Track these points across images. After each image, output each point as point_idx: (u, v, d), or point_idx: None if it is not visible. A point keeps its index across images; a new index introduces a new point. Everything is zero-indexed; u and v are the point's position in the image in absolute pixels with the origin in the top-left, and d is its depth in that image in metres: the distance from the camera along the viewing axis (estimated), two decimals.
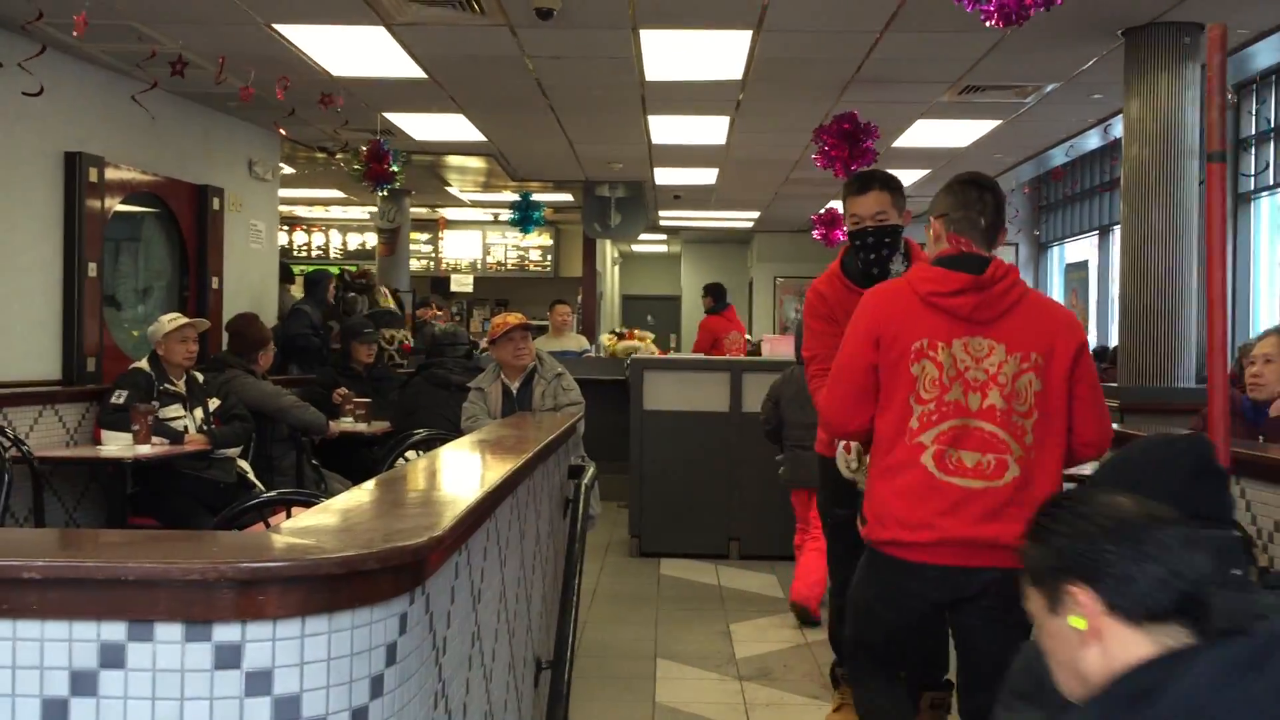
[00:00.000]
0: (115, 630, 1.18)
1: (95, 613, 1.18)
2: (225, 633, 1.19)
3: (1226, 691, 1.32)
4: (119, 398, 4.94)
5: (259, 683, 1.20)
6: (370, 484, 1.91)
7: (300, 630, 1.22)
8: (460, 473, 2.22)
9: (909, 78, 7.53)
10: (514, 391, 5.24)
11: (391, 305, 9.94)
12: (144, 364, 5.18)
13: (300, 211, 15.91)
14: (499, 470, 2.09)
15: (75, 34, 5.44)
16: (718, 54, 6.91)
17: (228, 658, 1.19)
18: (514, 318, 5.28)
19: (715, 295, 11.71)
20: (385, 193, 9.08)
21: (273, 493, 2.78)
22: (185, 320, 5.19)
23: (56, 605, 1.18)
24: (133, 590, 1.17)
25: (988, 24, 4.70)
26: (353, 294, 9.23)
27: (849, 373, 2.80)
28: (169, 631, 1.18)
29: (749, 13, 6.03)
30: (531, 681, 2.75)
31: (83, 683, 1.19)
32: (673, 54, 6.91)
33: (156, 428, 5.01)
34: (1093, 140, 10.08)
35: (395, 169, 8.20)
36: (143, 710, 1.19)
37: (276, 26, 6.37)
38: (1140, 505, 1.48)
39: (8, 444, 4.57)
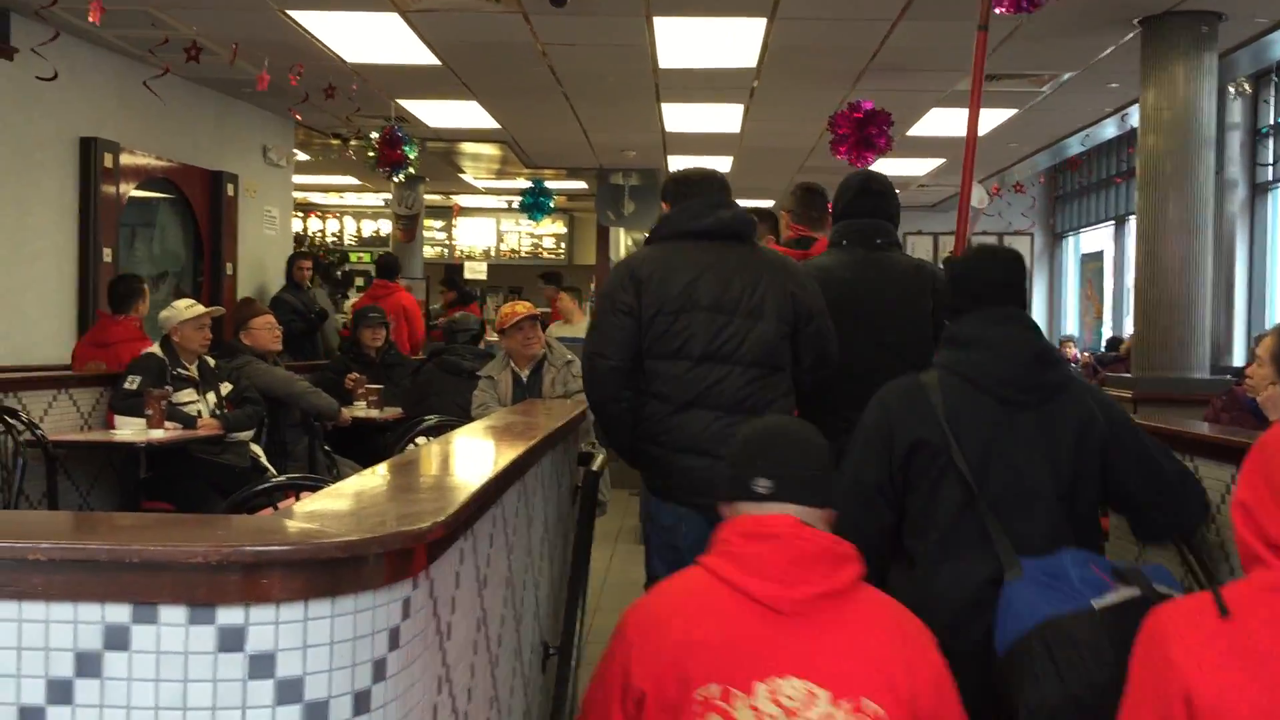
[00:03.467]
0: (120, 612, 1.19)
1: (100, 595, 1.19)
2: (228, 615, 1.20)
3: None
4: (132, 383, 4.96)
5: (262, 665, 1.21)
6: (380, 467, 1.91)
7: (303, 614, 1.22)
8: (468, 458, 2.23)
9: (924, 66, 7.50)
10: (524, 379, 5.24)
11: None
12: (156, 349, 5.20)
13: (315, 198, 15.95)
14: (506, 456, 2.09)
15: (91, 19, 5.46)
16: (731, 41, 6.90)
17: (231, 640, 1.20)
18: (522, 307, 5.28)
19: None
20: (400, 179, 9.07)
21: (283, 477, 2.80)
22: (203, 309, 5.21)
23: (62, 587, 1.19)
24: (137, 573, 1.18)
25: (997, 10, 4.67)
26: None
27: None
28: (173, 614, 1.19)
29: (763, 0, 6.02)
30: (539, 666, 2.76)
31: (87, 664, 1.20)
32: (686, 41, 6.89)
33: (170, 412, 5.03)
34: (1109, 129, 10.03)
35: (409, 154, 8.20)
36: (146, 691, 1.19)
37: (290, 13, 6.38)
38: None
39: (21, 428, 4.59)
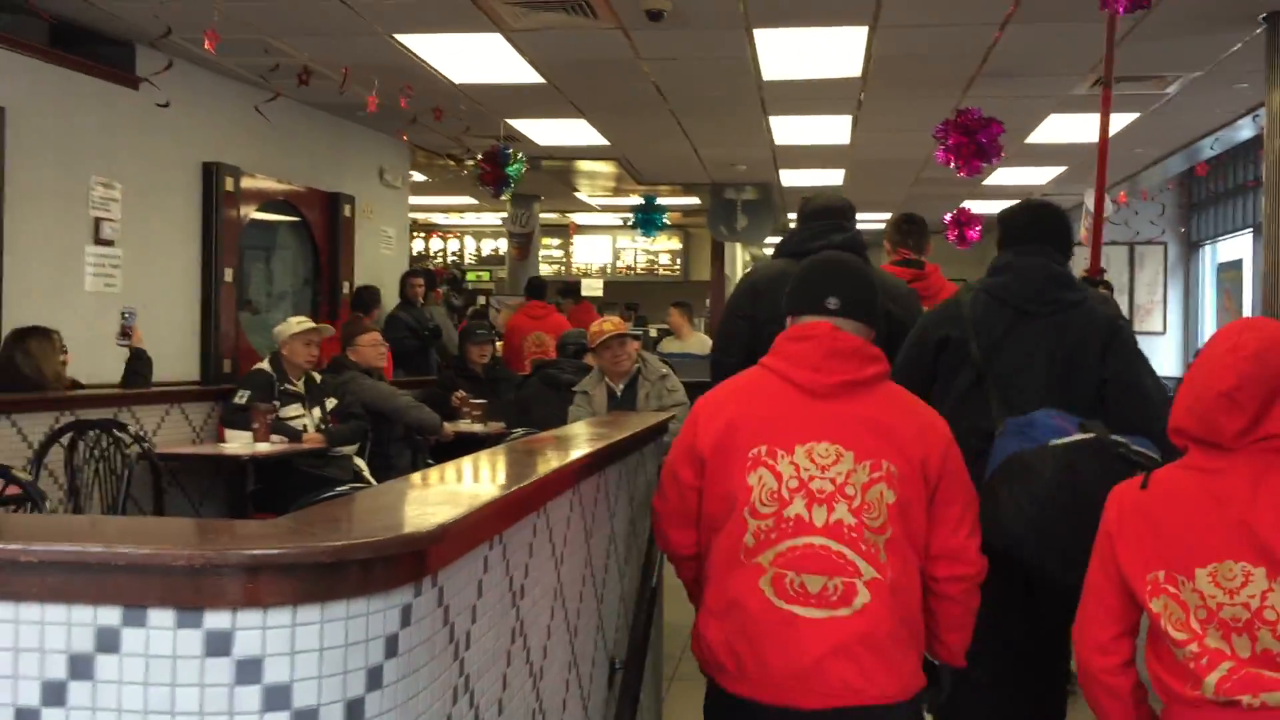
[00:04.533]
0: (111, 615, 1.21)
1: (92, 597, 1.20)
2: (216, 620, 1.20)
3: None
4: (241, 398, 5.13)
5: (249, 671, 1.21)
6: (424, 474, 1.92)
7: (291, 619, 1.22)
8: (515, 465, 2.22)
9: (1038, 71, 7.29)
10: (618, 394, 5.24)
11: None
12: (266, 364, 5.37)
13: (436, 218, 16.30)
14: (551, 464, 2.08)
15: (206, 47, 5.67)
16: (834, 51, 6.80)
17: (218, 645, 1.21)
18: (610, 325, 5.28)
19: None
20: (506, 196, 9.18)
21: (347, 486, 2.84)
22: (311, 324, 5.36)
23: (55, 589, 1.21)
24: (126, 575, 1.19)
25: (1103, 10, 4.48)
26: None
27: None
28: (161, 617, 1.20)
29: (863, 8, 5.92)
30: (604, 682, 2.73)
31: (80, 666, 1.21)
32: (789, 53, 6.82)
33: (276, 426, 5.17)
34: (1243, 131, 9.57)
35: (510, 172, 8.29)
36: (135, 695, 1.21)
37: (397, 36, 6.53)
38: None
39: (129, 440, 4.77)
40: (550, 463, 2.09)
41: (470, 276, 15.84)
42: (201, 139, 7.41)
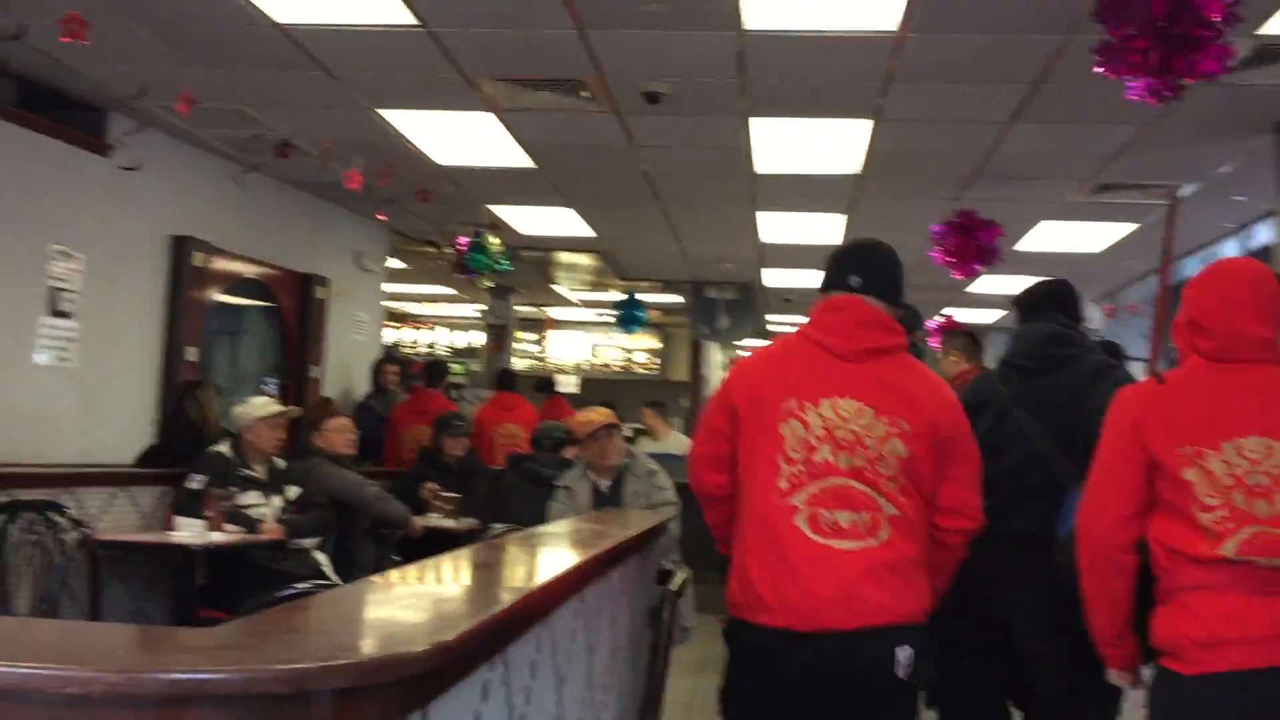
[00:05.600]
0: None
1: None
2: None
3: None
4: (194, 482, 4.73)
5: None
6: (397, 571, 1.56)
7: None
8: (511, 566, 1.86)
9: (1037, 174, 7.12)
10: (604, 490, 4.88)
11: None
12: (225, 448, 4.97)
13: (410, 308, 15.99)
14: (558, 566, 1.72)
15: (179, 110, 5.40)
16: (834, 146, 6.62)
17: None
18: (599, 414, 4.95)
19: None
20: (484, 284, 8.85)
21: (308, 584, 2.46)
22: (280, 407, 4.99)
23: None
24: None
25: (1133, 98, 4.24)
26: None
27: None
28: None
29: (868, 100, 5.73)
30: None
31: None
32: (786, 145, 6.63)
33: (231, 515, 4.77)
34: (1228, 248, 9.44)
35: (478, 259, 8.03)
36: None
37: (382, 112, 6.28)
38: None
39: (68, 525, 4.35)
40: (560, 564, 1.73)
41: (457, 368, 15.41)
42: (171, 211, 7.10)
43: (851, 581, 2.52)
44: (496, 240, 8.43)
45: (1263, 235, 8.30)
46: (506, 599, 1.31)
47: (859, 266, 2.79)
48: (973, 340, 5.35)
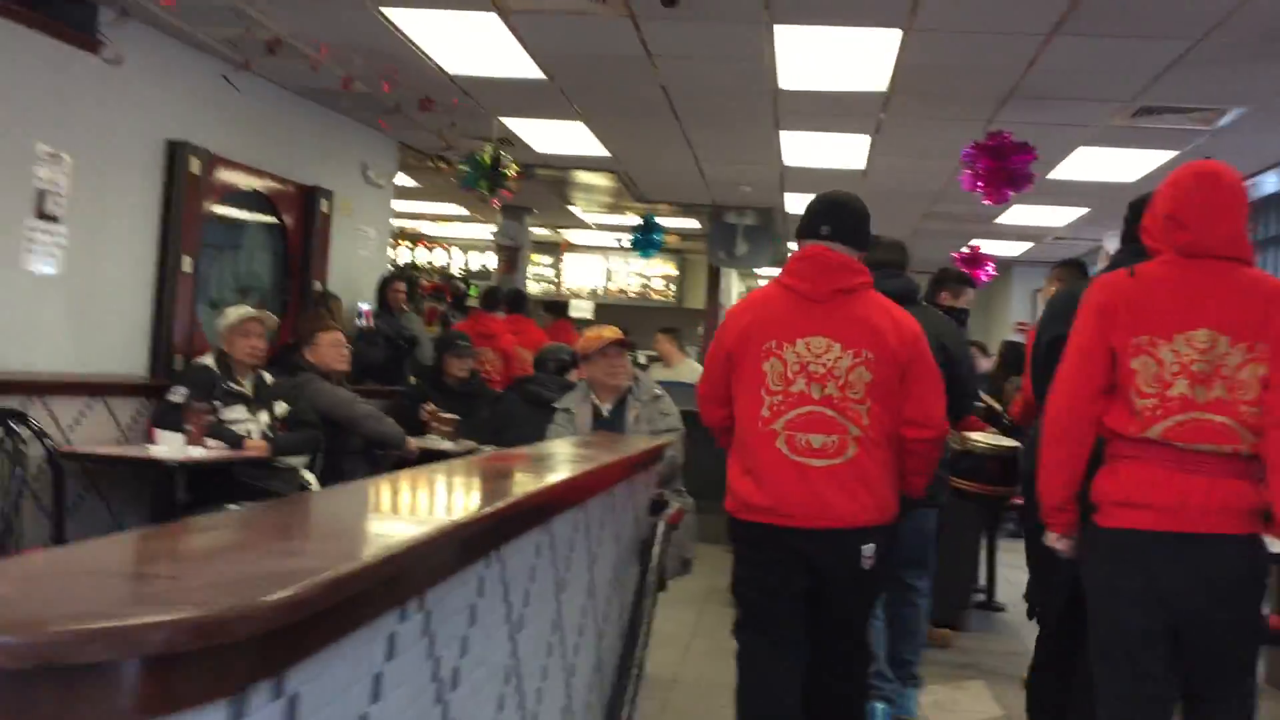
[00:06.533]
0: None
1: None
2: None
3: None
4: (175, 394, 4.50)
5: None
6: (326, 491, 1.30)
7: None
8: (466, 491, 1.60)
9: (1076, 94, 6.73)
10: (606, 414, 4.64)
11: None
12: (209, 359, 4.74)
13: (424, 227, 15.69)
14: (512, 490, 1.47)
15: (164, 1, 5.08)
16: (860, 59, 6.25)
17: None
18: (609, 331, 4.69)
19: None
20: (487, 197, 8.49)
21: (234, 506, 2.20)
22: (252, 313, 4.73)
23: None
24: None
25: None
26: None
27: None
28: None
29: (899, 7, 5.36)
30: None
31: None
32: (810, 57, 6.27)
33: (215, 430, 4.55)
34: (1269, 181, 9.04)
35: (473, 172, 7.73)
36: None
37: (385, 10, 5.94)
38: None
39: (28, 437, 4.13)
40: (514, 488, 1.47)
41: (472, 291, 15.12)
42: (166, 115, 6.79)
43: (821, 492, 3.09)
44: (488, 153, 8.07)
45: None
46: (406, 535, 1.05)
47: (828, 218, 3.26)
48: (1079, 269, 5.41)
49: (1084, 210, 10.56)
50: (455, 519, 1.16)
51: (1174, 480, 2.63)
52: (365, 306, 8.77)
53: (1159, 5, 5.23)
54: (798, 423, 3.09)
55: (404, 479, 1.64)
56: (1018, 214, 10.85)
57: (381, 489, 1.50)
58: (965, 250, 12.42)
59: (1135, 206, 3.37)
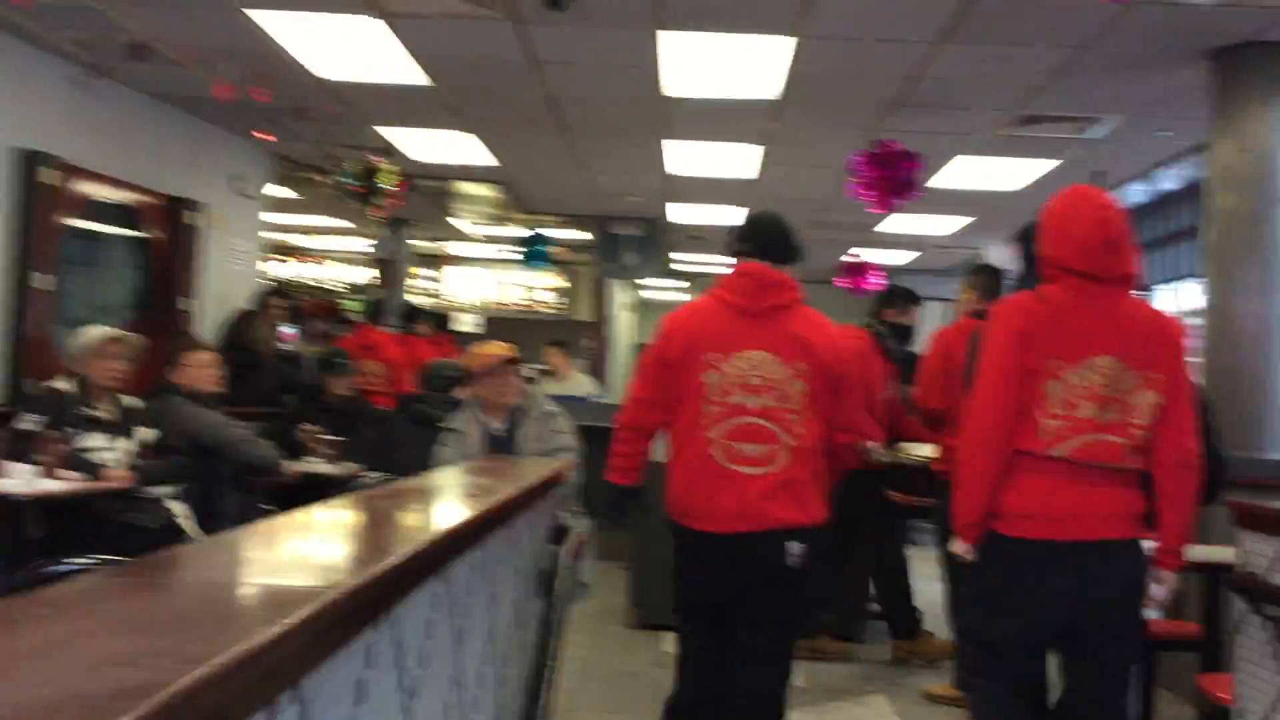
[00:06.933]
0: None
1: None
2: None
3: None
4: (25, 422, 4.14)
5: None
6: (123, 575, 1.08)
7: None
8: (356, 541, 1.39)
9: (962, 102, 6.75)
10: (497, 433, 4.42)
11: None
12: (64, 383, 4.38)
13: (304, 241, 15.18)
14: (406, 539, 1.26)
15: (20, 2, 4.71)
16: (754, 66, 6.15)
17: None
18: (500, 348, 4.47)
19: None
20: (371, 214, 8.21)
21: (88, 558, 1.94)
22: (112, 333, 4.39)
23: None
24: None
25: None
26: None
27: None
28: None
29: (791, 13, 5.27)
30: None
31: None
32: (701, 64, 6.15)
33: (72, 460, 4.20)
34: (1166, 183, 9.19)
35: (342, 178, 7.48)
36: None
37: (250, 12, 5.62)
38: None
39: None
40: (410, 535, 1.27)
41: (353, 306, 14.63)
42: (18, 123, 6.36)
43: (753, 499, 3.21)
44: (360, 164, 7.80)
45: (1189, 170, 8.12)
46: (310, 608, 0.85)
47: (756, 236, 3.41)
48: (993, 275, 5.25)
49: (969, 219, 10.69)
50: (341, 589, 0.95)
51: (1074, 492, 2.81)
52: (286, 330, 8.45)
53: (1042, 16, 5.24)
54: (734, 433, 3.21)
55: (276, 528, 1.42)
56: (901, 222, 10.93)
57: (246, 547, 1.28)
58: (848, 258, 12.50)
59: (1028, 230, 3.44)
